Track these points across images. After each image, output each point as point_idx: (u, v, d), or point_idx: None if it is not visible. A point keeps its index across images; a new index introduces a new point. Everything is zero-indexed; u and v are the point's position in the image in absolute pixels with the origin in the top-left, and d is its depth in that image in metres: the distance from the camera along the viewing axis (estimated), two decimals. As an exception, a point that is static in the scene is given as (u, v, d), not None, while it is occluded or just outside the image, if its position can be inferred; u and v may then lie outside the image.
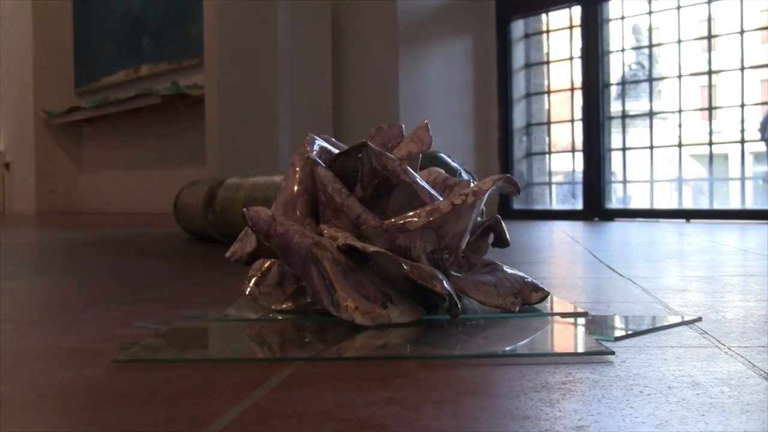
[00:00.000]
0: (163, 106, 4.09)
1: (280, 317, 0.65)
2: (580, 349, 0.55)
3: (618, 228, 2.30)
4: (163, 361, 0.51)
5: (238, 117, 2.97)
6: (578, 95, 2.98)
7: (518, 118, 3.17)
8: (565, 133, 3.14)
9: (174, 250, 1.68)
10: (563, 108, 3.15)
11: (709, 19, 2.71)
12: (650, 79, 2.91)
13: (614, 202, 2.91)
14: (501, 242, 0.75)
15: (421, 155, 0.74)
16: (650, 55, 2.93)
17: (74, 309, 0.76)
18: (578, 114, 2.99)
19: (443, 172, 0.77)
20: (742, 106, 2.57)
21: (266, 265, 0.70)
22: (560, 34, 3.12)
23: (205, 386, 0.45)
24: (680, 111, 2.75)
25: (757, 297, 0.77)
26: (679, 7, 2.74)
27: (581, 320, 0.63)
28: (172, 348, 0.56)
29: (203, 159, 3.34)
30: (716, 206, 2.67)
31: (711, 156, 2.69)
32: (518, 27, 3.17)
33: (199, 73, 3.75)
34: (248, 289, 0.68)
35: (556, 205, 3.15)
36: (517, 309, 0.65)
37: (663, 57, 3.12)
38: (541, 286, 0.69)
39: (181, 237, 1.92)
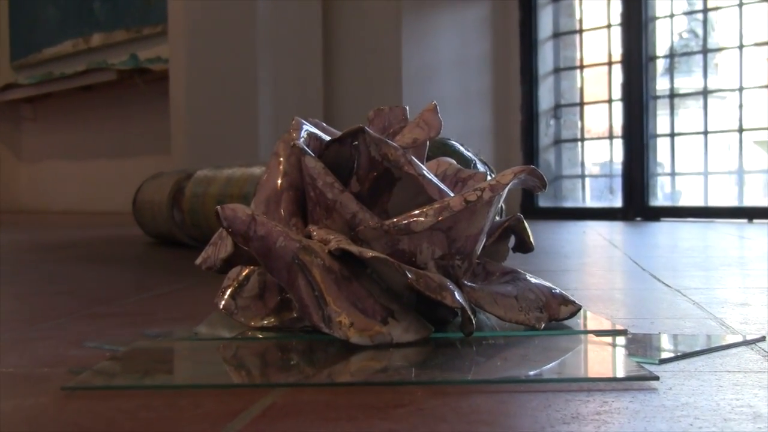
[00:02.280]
0: (119, 83, 4.08)
1: (260, 335, 0.65)
2: (619, 374, 0.55)
3: (665, 229, 2.31)
4: (120, 388, 0.51)
5: (210, 96, 2.98)
6: (617, 70, 2.99)
7: (545, 99, 3.17)
8: (601, 116, 3.14)
9: (133, 256, 1.68)
10: (599, 86, 3.15)
11: (775, -21, 2.71)
12: (705, 51, 2.91)
13: (660, 199, 2.91)
14: (523, 246, 0.76)
15: (428, 143, 0.75)
16: (705, 22, 2.94)
17: (14, 326, 0.77)
18: (617, 93, 2.99)
19: (455, 162, 0.77)
20: (814, 83, 2.58)
21: (244, 274, 0.70)
22: (596, -4, 3.12)
23: (171, 417, 0.45)
24: (741, 89, 2.75)
25: (830, 312, 0.77)
26: (738, -35, 2.74)
27: (620, 339, 0.64)
28: (132, 372, 0.57)
29: (167, 147, 3.34)
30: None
31: (777, 143, 2.70)
32: (545, -12, 3.17)
33: (163, 44, 3.75)
34: (222, 302, 0.69)
35: (590, 202, 3.15)
36: (543, 326, 0.65)
37: (720, 23, 3.12)
38: (571, 298, 0.69)
39: (142, 240, 1.92)
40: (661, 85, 2.99)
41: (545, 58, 3.18)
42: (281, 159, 0.70)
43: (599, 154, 3.21)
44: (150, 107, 4.06)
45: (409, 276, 0.59)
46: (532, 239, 0.75)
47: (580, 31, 3.18)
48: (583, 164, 3.18)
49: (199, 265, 0.69)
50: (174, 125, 3.22)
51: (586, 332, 0.67)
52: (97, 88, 4.31)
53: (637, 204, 2.86)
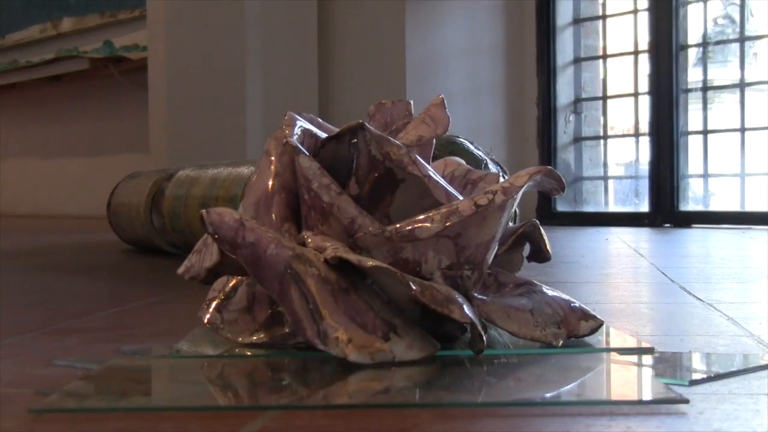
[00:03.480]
0: (92, 72, 4.09)
1: (249, 353, 0.65)
2: (645, 396, 0.55)
3: (696, 237, 2.31)
4: (94, 411, 0.52)
5: (193, 88, 2.98)
6: (644, 60, 2.99)
7: (564, 92, 3.18)
8: (626, 112, 3.15)
9: (108, 264, 1.68)
10: (624, 78, 3.15)
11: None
12: (742, 39, 2.92)
13: (691, 203, 2.92)
14: (539, 255, 0.76)
15: (434, 141, 0.75)
16: (742, 6, 2.94)
17: (-23, 342, 0.77)
18: (644, 86, 3.00)
19: (464, 163, 0.78)
20: None
21: (231, 285, 0.70)
22: (620, -21, 3.13)
23: (151, 443, 0.45)
24: (780, 82, 2.75)
25: None
26: (778, -56, 2.75)
27: (646, 358, 0.64)
28: (106, 394, 0.57)
29: (146, 144, 3.34)
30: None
31: (821, 142, 2.70)
32: (565, -30, 3.18)
33: (141, 30, 3.76)
34: (207, 316, 0.69)
35: (613, 207, 3.15)
36: (561, 343, 0.65)
37: (760, 9, 3.12)
38: (592, 313, 0.69)
39: (117, 247, 1.93)
40: (694, 76, 2.99)
41: (564, 47, 3.18)
42: (272, 158, 0.70)
43: (624, 154, 3.21)
44: (126, 100, 4.07)
45: (414, 288, 0.60)
46: (549, 247, 0.75)
47: (604, 16, 3.19)
48: (605, 164, 3.18)
49: (182, 274, 0.69)
50: (153, 120, 3.22)
51: (609, 350, 0.67)
52: (67, 79, 4.32)
53: (665, 209, 2.86)
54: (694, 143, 2.92)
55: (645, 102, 2.99)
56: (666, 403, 0.51)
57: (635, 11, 3.04)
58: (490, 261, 0.67)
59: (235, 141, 2.84)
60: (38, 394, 0.55)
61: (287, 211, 0.69)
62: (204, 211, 0.61)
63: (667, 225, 2.83)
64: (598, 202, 3.17)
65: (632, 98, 3.08)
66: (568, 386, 0.58)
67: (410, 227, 0.62)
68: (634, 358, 0.64)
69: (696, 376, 0.58)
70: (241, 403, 0.56)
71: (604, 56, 3.19)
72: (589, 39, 3.21)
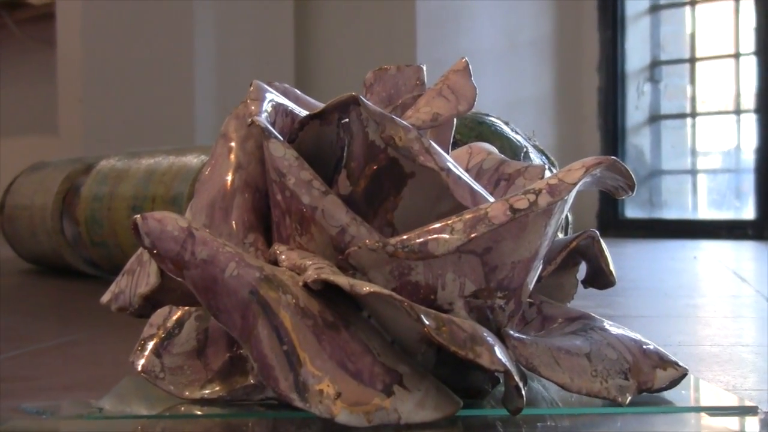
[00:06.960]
0: (-20, 24, 4.10)
1: (199, 412, 0.66)
2: (744, 473, 0.56)
3: (820, 255, 2.31)
4: (-12, 490, 0.52)
5: (119, 46, 2.98)
6: (748, 7, 2.99)
7: (636, 52, 3.18)
8: (723, 79, 3.15)
9: (2, 290, 1.68)
10: (720, 32, 3.15)
11: None
12: None
13: (814, 208, 2.92)
14: (599, 278, 0.76)
15: (456, 120, 0.76)
16: None
17: None
18: (748, 44, 2.99)
19: (495, 151, 0.78)
20: None
21: (175, 319, 0.71)
22: None
23: None
24: None
25: None
26: None
27: (749, 421, 0.64)
28: (5, 467, 0.58)
29: (54, 122, 3.34)
30: None
31: None
32: None
33: (47, -35, 3.76)
34: (141, 362, 0.70)
35: (705, 213, 3.15)
36: (629, 399, 0.66)
37: None
38: (673, 358, 0.70)
39: (15, 266, 1.93)
40: (816, 31, 2.99)
41: (636, -10, 3.19)
42: (232, 144, 0.71)
43: (720, 138, 3.21)
44: (26, 61, 4.07)
45: (426, 323, 0.60)
46: (612, 268, 0.76)
47: (691, -52, 3.20)
48: (694, 153, 3.18)
49: (106, 304, 0.70)
50: (63, 89, 3.22)
51: (697, 410, 0.67)
52: (-54, 32, 4.33)
53: (777, 215, 2.86)
54: (816, 124, 2.92)
55: (749, 66, 2.98)
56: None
57: (735, -60, 3.05)
58: (531, 286, 0.68)
59: (179, 119, 2.84)
60: None
61: (253, 217, 0.69)
62: (138, 216, 0.62)
63: (780, 238, 2.83)
64: (683, 206, 3.17)
65: (732, 60, 3.08)
66: (639, 459, 0.58)
67: (422, 239, 0.63)
68: (732, 421, 0.64)
69: (816, 446, 0.59)
70: (189, 481, 0.56)
71: (693, 2, 3.19)
72: (671, -21, 3.21)
